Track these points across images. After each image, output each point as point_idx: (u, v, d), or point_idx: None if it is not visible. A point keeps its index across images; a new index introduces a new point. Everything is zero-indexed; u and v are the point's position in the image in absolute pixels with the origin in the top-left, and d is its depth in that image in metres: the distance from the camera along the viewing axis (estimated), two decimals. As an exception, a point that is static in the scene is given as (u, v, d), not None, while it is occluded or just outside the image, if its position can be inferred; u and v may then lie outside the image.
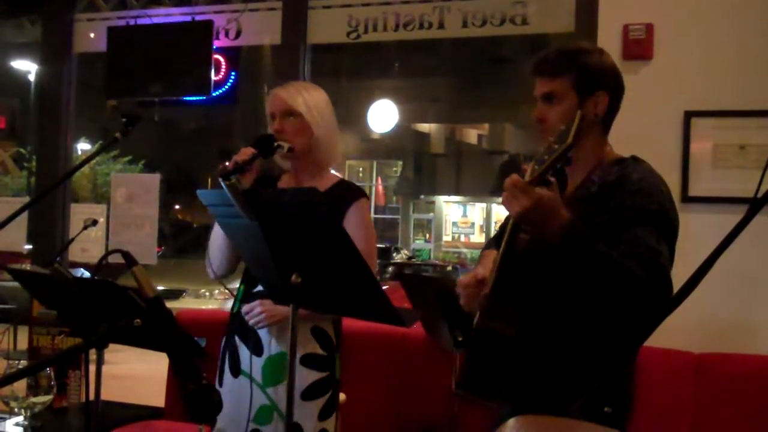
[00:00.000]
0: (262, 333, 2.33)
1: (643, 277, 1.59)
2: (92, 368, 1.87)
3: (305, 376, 2.30)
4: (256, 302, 2.29)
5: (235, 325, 2.39)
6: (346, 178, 2.60)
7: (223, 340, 2.45)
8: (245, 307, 2.32)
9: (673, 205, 1.77)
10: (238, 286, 2.45)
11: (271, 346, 2.31)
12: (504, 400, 1.82)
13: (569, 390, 1.74)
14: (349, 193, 2.39)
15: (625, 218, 1.69)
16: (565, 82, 1.80)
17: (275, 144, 2.29)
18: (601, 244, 1.61)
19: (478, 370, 1.71)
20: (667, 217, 1.72)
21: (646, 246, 1.64)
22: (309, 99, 2.38)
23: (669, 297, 1.59)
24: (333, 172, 2.53)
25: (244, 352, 2.35)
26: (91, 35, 4.46)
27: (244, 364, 2.34)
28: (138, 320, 1.47)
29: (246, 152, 2.21)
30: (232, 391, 2.33)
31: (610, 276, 1.60)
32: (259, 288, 2.31)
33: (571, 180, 1.86)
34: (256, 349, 2.33)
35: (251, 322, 2.30)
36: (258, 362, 2.32)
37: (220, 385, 2.40)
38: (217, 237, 2.37)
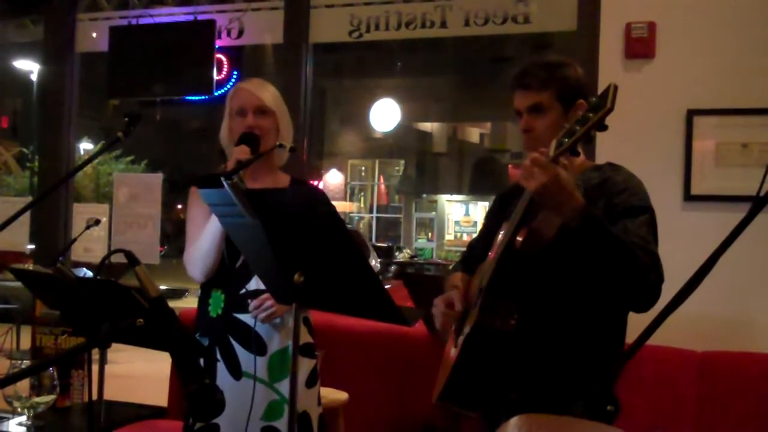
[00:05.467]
0: (263, 331, 2.31)
1: (645, 263, 1.68)
2: (95, 368, 1.87)
3: (305, 365, 2.36)
4: (265, 296, 2.27)
5: (225, 328, 2.34)
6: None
7: (210, 344, 2.35)
8: (255, 302, 2.28)
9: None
10: (203, 291, 2.40)
11: (273, 342, 2.31)
12: (487, 410, 1.84)
13: (571, 388, 1.75)
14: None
15: (616, 215, 1.78)
16: (550, 94, 1.89)
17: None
18: (612, 227, 1.68)
19: (469, 372, 1.71)
20: (652, 212, 1.84)
21: (639, 235, 1.73)
22: (274, 98, 2.39)
23: (660, 284, 1.71)
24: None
25: (243, 354, 2.32)
26: (94, 35, 4.47)
27: (246, 366, 2.31)
28: (140, 320, 1.47)
29: (244, 150, 2.21)
30: (234, 393, 2.28)
31: (619, 259, 1.66)
32: (245, 289, 2.31)
33: None
34: (259, 348, 2.31)
35: (261, 316, 2.28)
36: (262, 361, 2.31)
37: None
38: (215, 238, 2.29)
